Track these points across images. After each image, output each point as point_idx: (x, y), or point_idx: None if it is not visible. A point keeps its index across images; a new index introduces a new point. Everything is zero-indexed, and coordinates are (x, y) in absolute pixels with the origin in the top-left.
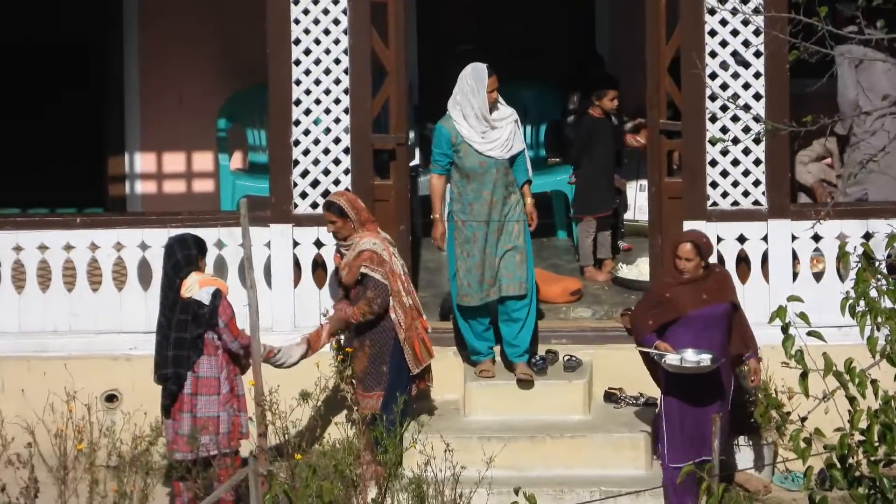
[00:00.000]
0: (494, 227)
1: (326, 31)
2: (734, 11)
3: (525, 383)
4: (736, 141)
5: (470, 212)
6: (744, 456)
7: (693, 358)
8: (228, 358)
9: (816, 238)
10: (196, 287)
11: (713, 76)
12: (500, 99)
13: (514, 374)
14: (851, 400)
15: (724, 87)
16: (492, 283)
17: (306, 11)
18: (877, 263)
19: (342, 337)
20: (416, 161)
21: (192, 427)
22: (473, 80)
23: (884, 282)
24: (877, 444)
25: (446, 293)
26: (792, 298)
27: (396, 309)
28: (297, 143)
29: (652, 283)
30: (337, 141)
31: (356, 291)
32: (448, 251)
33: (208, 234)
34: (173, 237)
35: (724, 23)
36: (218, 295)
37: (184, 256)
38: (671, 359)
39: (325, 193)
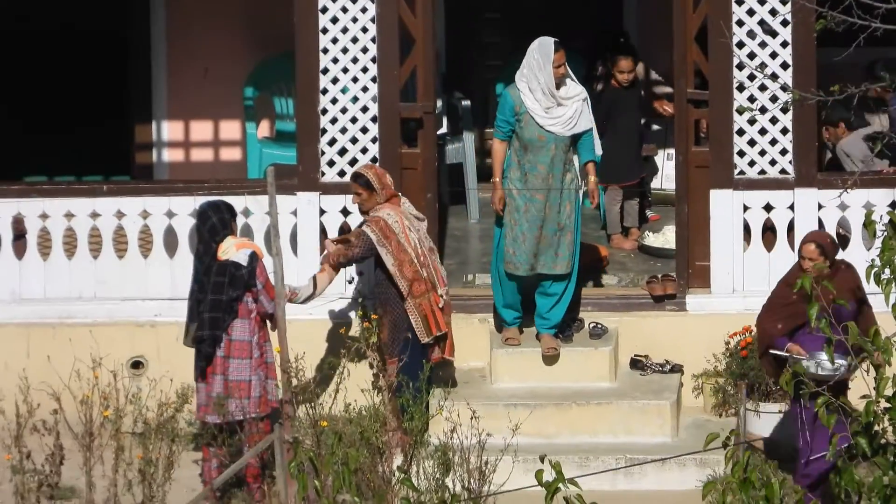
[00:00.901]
0: (547, 203)
1: (353, 0)
2: None
3: (550, 358)
4: (763, 110)
5: (524, 182)
6: (770, 423)
7: (828, 363)
8: (260, 323)
9: (843, 207)
10: (233, 249)
11: (740, 45)
12: (571, 75)
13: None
14: (877, 367)
15: (752, 56)
16: (535, 258)
17: None
18: None
19: (367, 304)
20: (443, 129)
21: (223, 391)
22: (540, 54)
23: None
24: None
25: (481, 260)
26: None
27: (400, 280)
28: (324, 111)
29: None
30: (364, 109)
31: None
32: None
33: (235, 202)
34: (205, 203)
35: None
36: (255, 257)
37: (219, 220)
38: (806, 363)
39: (353, 162)
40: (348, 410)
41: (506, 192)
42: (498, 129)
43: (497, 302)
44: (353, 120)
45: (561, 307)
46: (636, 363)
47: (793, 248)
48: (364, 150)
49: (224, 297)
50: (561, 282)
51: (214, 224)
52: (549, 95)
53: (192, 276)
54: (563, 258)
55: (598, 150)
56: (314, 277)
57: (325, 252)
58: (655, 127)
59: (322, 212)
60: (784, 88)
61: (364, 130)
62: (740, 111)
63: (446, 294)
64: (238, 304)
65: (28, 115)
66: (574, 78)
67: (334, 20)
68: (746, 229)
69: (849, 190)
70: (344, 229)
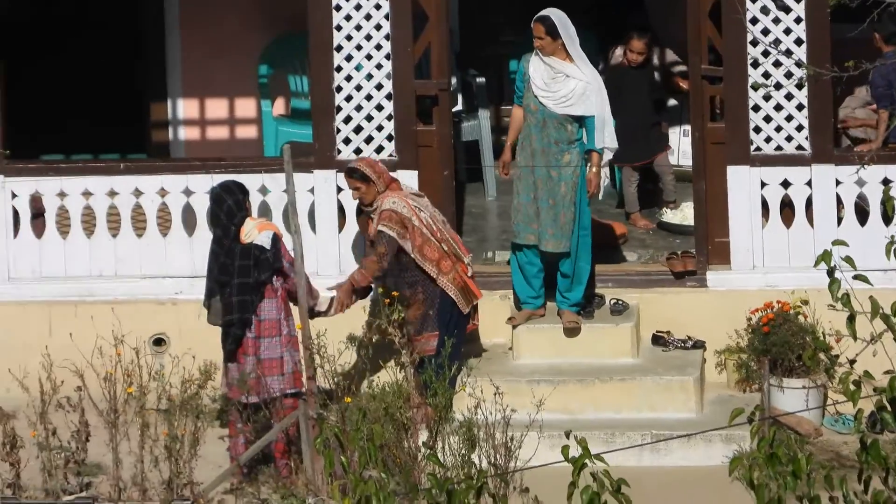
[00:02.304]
0: (539, 176)
1: None
2: None
3: (571, 331)
4: (778, 86)
5: (521, 150)
6: (794, 399)
7: None
8: (285, 300)
9: (860, 183)
10: (255, 232)
11: (754, 21)
12: (580, 55)
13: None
14: None
15: (766, 32)
16: (535, 228)
17: None
18: None
19: (388, 281)
20: (458, 107)
21: (255, 369)
22: None
23: None
24: None
25: (500, 237)
26: (837, 242)
27: (426, 264)
28: (339, 89)
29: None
30: (379, 87)
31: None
32: None
33: (252, 180)
34: (217, 186)
35: None
36: (276, 239)
37: (234, 202)
38: None
39: (369, 139)
40: (372, 387)
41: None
42: (515, 93)
43: (514, 277)
44: (368, 97)
45: (579, 286)
46: (658, 339)
47: (811, 225)
48: (380, 128)
49: (251, 279)
50: (568, 261)
51: (231, 207)
52: (545, 65)
53: (210, 258)
54: (554, 237)
55: (608, 143)
56: (331, 299)
57: (350, 277)
58: (672, 102)
59: (339, 189)
60: (798, 64)
61: (379, 108)
62: (755, 87)
63: (470, 262)
64: (265, 286)
65: (45, 94)
66: (581, 59)
67: None
68: (765, 205)
69: (866, 166)
70: (362, 209)
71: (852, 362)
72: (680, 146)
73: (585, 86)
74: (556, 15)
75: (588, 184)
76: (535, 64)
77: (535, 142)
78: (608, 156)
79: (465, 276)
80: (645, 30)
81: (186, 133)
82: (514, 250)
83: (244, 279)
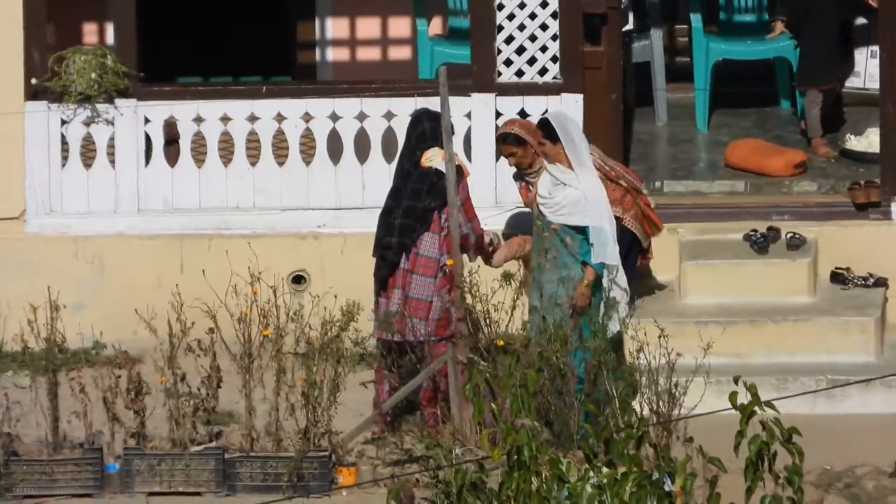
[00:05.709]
0: (540, 289)
1: None
2: None
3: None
4: None
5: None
6: None
7: None
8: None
9: None
10: (438, 158)
11: None
12: (584, 166)
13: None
14: None
15: None
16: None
17: None
18: None
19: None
20: (629, 26)
21: (401, 306)
22: None
23: None
24: None
25: (670, 166)
26: None
27: (612, 206)
28: (500, 7)
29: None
30: (544, 4)
31: None
32: None
33: (405, 105)
34: (422, 108)
35: None
36: (459, 172)
37: (431, 128)
38: None
39: (532, 61)
40: (526, 328)
41: None
42: None
43: None
44: (532, 16)
45: None
46: (837, 276)
47: None
48: (544, 49)
49: (420, 204)
50: None
51: (425, 130)
52: (551, 176)
53: (393, 182)
54: None
55: (606, 259)
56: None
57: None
58: (861, 21)
59: (498, 114)
60: None
61: (544, 27)
62: None
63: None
64: (432, 215)
65: (184, 12)
66: (582, 166)
67: None
68: None
69: None
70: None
71: None
72: (867, 68)
73: (580, 195)
74: (555, 117)
75: (576, 299)
76: (544, 173)
77: (535, 253)
78: (613, 274)
79: (647, 207)
80: None
81: (335, 54)
82: None
83: (413, 202)
